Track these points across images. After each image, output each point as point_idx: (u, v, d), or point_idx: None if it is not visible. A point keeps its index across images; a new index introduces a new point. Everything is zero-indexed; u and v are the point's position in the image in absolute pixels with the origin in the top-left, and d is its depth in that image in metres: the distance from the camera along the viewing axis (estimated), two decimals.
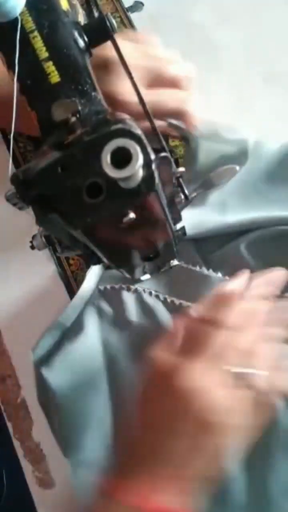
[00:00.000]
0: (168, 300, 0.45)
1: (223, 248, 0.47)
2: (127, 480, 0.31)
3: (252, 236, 0.45)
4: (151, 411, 0.33)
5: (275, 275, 0.38)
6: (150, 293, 0.46)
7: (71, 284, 0.50)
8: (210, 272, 0.45)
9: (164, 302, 0.45)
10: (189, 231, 0.39)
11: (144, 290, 0.46)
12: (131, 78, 0.31)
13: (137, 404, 0.34)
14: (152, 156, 0.23)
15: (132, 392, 0.36)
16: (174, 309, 0.45)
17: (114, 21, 0.33)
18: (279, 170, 0.47)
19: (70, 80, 0.29)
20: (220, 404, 0.30)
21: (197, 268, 0.46)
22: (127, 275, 0.42)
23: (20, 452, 0.47)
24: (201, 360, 0.32)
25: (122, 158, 0.22)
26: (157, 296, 0.45)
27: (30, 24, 0.30)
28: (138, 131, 0.23)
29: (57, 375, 0.41)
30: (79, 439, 0.41)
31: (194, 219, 0.44)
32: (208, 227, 0.46)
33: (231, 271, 0.43)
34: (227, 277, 0.44)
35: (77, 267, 0.50)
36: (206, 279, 0.45)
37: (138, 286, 0.46)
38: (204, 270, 0.45)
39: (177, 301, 0.45)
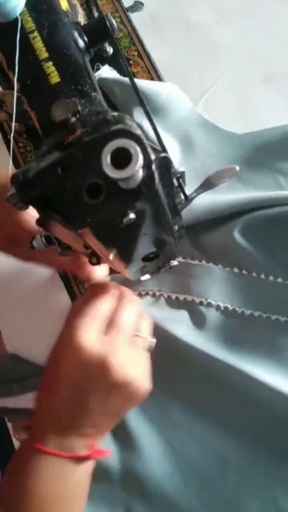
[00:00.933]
0: (172, 297, 0.45)
1: (216, 233, 0.47)
2: (40, 428, 0.35)
3: (243, 219, 0.45)
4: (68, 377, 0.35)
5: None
6: (154, 295, 0.46)
7: (71, 284, 0.50)
8: (211, 265, 0.45)
9: (168, 299, 0.45)
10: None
11: (147, 293, 0.46)
12: (130, 78, 0.31)
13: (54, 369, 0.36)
14: (152, 157, 0.23)
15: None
16: (179, 306, 0.45)
17: (114, 21, 0.33)
18: (255, 156, 0.49)
19: (70, 80, 0.29)
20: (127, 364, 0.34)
21: (197, 262, 0.46)
22: (128, 276, 0.42)
23: None
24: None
25: (122, 159, 0.22)
26: (161, 295, 0.46)
27: (30, 25, 0.30)
28: (138, 131, 0.23)
29: None
30: None
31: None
32: (198, 211, 0.46)
33: (230, 262, 0.44)
34: (228, 268, 0.44)
35: None
36: (207, 271, 0.45)
37: (141, 289, 0.46)
38: (204, 263, 0.46)
39: (181, 297, 0.45)
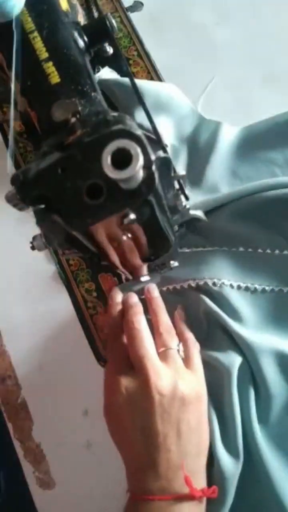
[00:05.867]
0: (185, 286, 0.45)
1: (215, 218, 0.47)
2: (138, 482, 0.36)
3: (241, 203, 0.45)
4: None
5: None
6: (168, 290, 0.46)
7: (71, 284, 0.50)
8: (216, 248, 0.45)
9: (181, 289, 0.45)
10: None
11: (168, 289, 0.46)
12: (131, 78, 0.31)
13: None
14: (153, 157, 0.23)
15: None
16: (194, 289, 0.45)
17: (114, 21, 0.33)
18: (247, 151, 0.49)
19: (70, 81, 0.29)
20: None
21: (202, 248, 0.46)
22: (128, 276, 0.42)
23: (20, 452, 0.47)
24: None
25: (122, 159, 0.21)
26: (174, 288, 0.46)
27: (30, 25, 0.30)
28: (139, 132, 0.23)
29: None
30: None
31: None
32: (199, 206, 0.46)
33: (234, 243, 0.45)
34: (234, 249, 0.45)
35: (77, 267, 0.50)
36: (214, 255, 0.45)
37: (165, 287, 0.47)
38: (209, 248, 0.46)
39: (193, 283, 0.45)
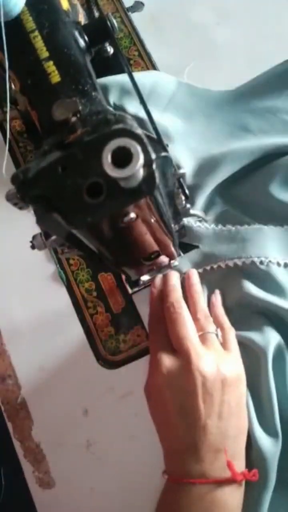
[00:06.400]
0: (230, 264, 0.44)
1: (252, 190, 0.46)
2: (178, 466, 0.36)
3: (274, 170, 0.45)
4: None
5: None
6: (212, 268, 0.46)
7: (71, 284, 0.50)
8: (261, 226, 0.45)
9: (227, 268, 0.45)
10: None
11: (212, 268, 0.45)
12: (131, 78, 0.31)
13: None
14: (153, 156, 0.23)
15: None
16: (240, 269, 0.44)
17: (114, 21, 0.33)
18: (255, 103, 0.48)
19: (71, 80, 0.29)
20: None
21: (246, 226, 0.45)
22: (129, 275, 0.42)
23: (20, 452, 0.47)
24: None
25: (122, 158, 0.21)
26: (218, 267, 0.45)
27: (31, 24, 0.30)
28: (139, 131, 0.23)
29: None
30: None
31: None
32: (219, 160, 0.46)
33: (278, 220, 0.45)
34: (279, 226, 0.45)
35: (77, 267, 0.50)
36: (259, 233, 0.45)
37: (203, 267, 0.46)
38: (254, 226, 0.45)
39: (239, 261, 0.44)
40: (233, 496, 0.35)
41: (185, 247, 0.46)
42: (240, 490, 0.35)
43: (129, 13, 0.56)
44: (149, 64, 0.54)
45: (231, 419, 0.36)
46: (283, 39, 0.53)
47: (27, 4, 0.30)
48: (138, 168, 0.21)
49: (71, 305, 0.49)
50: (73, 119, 0.25)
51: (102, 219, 0.25)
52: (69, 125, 0.25)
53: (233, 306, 0.44)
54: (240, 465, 0.36)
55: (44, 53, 0.30)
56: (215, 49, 0.54)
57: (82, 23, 0.44)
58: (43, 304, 0.50)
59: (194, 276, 0.44)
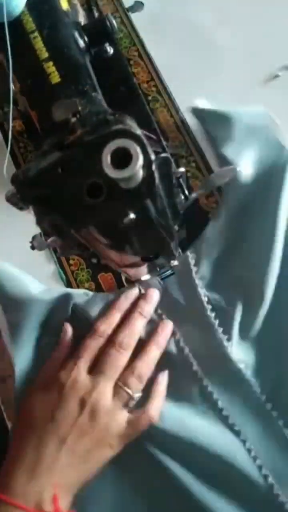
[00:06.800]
0: None
1: None
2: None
3: None
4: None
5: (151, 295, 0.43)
6: None
7: (71, 284, 0.50)
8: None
9: None
10: None
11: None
12: (131, 78, 0.31)
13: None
14: (153, 157, 0.23)
15: None
16: None
17: (114, 22, 0.33)
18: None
19: (71, 81, 0.30)
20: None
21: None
22: (127, 275, 0.42)
23: None
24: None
25: (122, 159, 0.22)
26: None
27: (31, 25, 0.30)
28: (138, 132, 0.23)
29: None
30: None
31: None
32: None
33: None
34: None
35: (77, 267, 0.50)
36: None
37: None
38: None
39: None
40: None
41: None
42: None
43: (129, 13, 0.56)
44: (149, 64, 0.54)
45: (83, 456, 0.36)
46: (283, 40, 0.53)
47: (27, 4, 0.30)
48: (137, 169, 0.21)
49: None
50: (73, 119, 0.25)
51: (102, 219, 0.25)
52: (69, 125, 0.25)
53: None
54: (66, 500, 0.35)
55: (44, 53, 0.30)
56: (215, 49, 0.54)
57: (82, 23, 0.44)
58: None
59: (168, 329, 0.42)
